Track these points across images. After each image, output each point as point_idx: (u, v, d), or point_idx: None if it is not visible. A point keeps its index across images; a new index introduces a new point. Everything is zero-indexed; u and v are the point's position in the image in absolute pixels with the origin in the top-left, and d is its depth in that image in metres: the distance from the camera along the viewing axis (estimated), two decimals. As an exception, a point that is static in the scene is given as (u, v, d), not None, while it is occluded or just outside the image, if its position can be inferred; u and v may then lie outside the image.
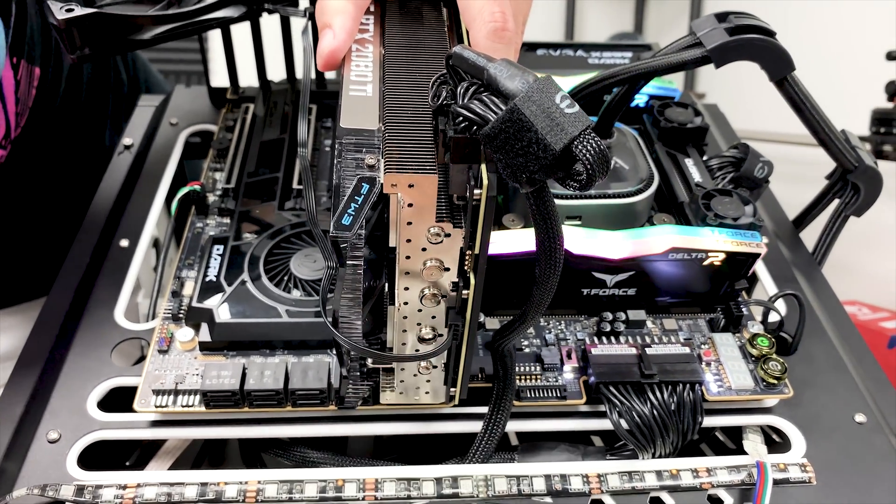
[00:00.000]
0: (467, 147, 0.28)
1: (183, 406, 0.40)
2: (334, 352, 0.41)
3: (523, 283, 0.42)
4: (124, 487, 0.37)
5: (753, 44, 0.43)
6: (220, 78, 0.63)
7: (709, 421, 0.41)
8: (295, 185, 0.53)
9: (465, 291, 0.33)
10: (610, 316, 0.45)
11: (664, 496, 0.39)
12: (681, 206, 0.47)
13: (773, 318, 0.47)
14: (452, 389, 0.40)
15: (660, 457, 0.40)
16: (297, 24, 0.46)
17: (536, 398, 0.42)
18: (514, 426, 0.41)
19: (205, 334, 0.42)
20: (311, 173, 0.47)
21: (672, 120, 0.52)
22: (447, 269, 0.32)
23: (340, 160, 0.30)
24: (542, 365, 0.43)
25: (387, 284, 0.34)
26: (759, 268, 0.51)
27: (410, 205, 0.30)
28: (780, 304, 0.49)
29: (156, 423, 0.41)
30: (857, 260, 1.11)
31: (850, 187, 0.50)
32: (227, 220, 0.52)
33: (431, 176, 0.29)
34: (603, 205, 0.45)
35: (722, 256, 0.43)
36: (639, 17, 1.58)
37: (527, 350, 0.44)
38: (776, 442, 0.43)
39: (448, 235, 0.31)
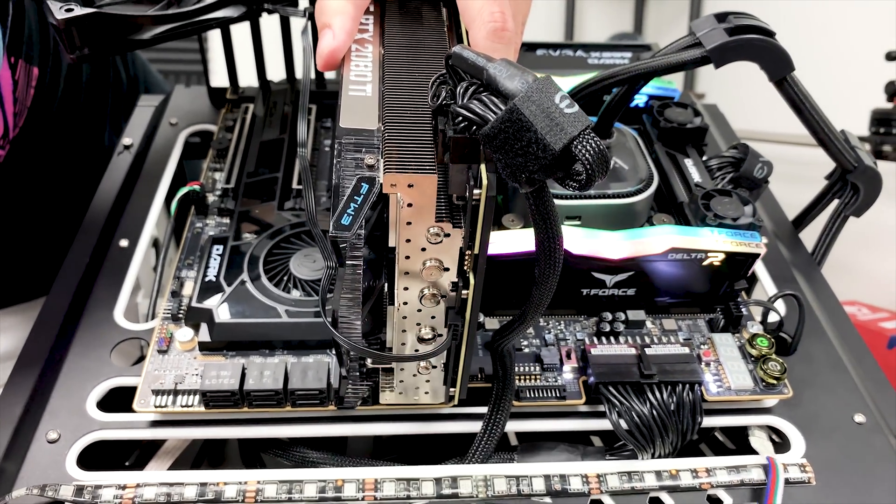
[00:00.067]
0: (467, 147, 0.28)
1: (182, 406, 0.40)
2: (334, 352, 0.41)
3: (523, 283, 0.42)
4: (124, 487, 0.37)
5: (753, 44, 0.43)
6: (219, 78, 0.63)
7: (708, 421, 0.41)
8: (294, 185, 0.53)
9: (464, 291, 0.33)
10: (609, 316, 0.45)
11: (663, 496, 0.39)
12: (680, 207, 0.47)
13: (773, 318, 0.47)
14: (452, 389, 0.40)
15: (659, 457, 0.40)
16: (297, 24, 0.46)
17: (536, 398, 0.42)
18: (513, 426, 0.41)
19: (204, 334, 0.42)
20: (310, 173, 0.47)
21: (672, 120, 0.52)
22: (447, 269, 0.32)
23: (340, 160, 0.30)
24: (541, 365, 0.43)
25: (386, 284, 0.34)
26: (759, 268, 0.51)
27: (410, 205, 0.30)
28: (780, 305, 0.49)
29: (155, 424, 0.41)
30: (856, 260, 1.11)
31: (849, 187, 0.50)
32: (226, 220, 0.52)
33: (431, 176, 0.29)
34: (602, 205, 0.45)
35: (721, 257, 0.43)
36: (638, 18, 1.58)
37: (526, 350, 0.44)
38: (776, 442, 0.43)
39: (447, 235, 0.31)
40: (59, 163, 0.62)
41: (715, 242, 0.43)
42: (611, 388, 0.40)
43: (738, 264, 0.43)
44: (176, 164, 0.58)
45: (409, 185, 0.29)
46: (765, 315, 0.47)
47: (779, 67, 0.45)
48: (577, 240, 0.42)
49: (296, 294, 0.44)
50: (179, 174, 0.58)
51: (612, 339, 0.44)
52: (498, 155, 0.27)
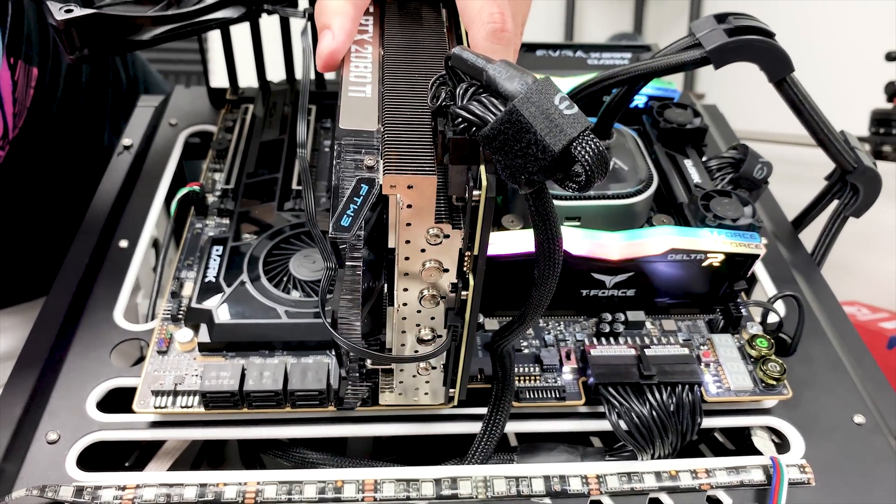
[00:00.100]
0: (466, 148, 0.28)
1: (182, 407, 0.40)
2: (333, 353, 0.41)
3: (522, 284, 0.42)
4: (123, 488, 0.37)
5: (753, 45, 0.43)
6: (219, 78, 0.63)
7: (708, 422, 0.41)
8: (294, 186, 0.53)
9: (464, 292, 0.33)
10: (609, 317, 0.45)
11: (663, 497, 0.39)
12: (680, 207, 0.47)
13: (773, 318, 0.47)
14: (451, 390, 0.40)
15: (659, 458, 0.40)
16: (297, 24, 0.46)
17: (535, 399, 0.42)
18: (513, 427, 0.41)
19: (204, 335, 0.42)
20: (310, 174, 0.47)
21: (671, 121, 0.52)
22: (446, 270, 0.32)
23: (339, 161, 0.30)
24: (541, 366, 0.43)
25: (386, 285, 0.34)
26: (759, 269, 0.51)
27: (409, 206, 0.30)
28: (780, 305, 0.48)
29: (155, 424, 0.41)
30: (856, 261, 1.11)
31: (849, 188, 0.50)
32: (226, 221, 0.52)
33: (430, 177, 0.29)
34: (602, 206, 0.45)
35: (721, 257, 0.43)
36: (638, 18, 1.58)
37: (526, 351, 0.44)
38: (775, 443, 0.43)
39: (447, 236, 0.31)
40: (58, 163, 0.62)
41: (714, 243, 0.43)
42: (610, 389, 0.40)
43: (738, 265, 0.43)
44: (176, 165, 0.58)
45: (409, 187, 0.29)
46: (764, 316, 0.47)
47: (778, 68, 0.45)
48: (577, 240, 0.42)
49: (295, 295, 0.44)
50: (179, 175, 0.58)
51: (611, 339, 0.44)
52: (497, 156, 0.27)
